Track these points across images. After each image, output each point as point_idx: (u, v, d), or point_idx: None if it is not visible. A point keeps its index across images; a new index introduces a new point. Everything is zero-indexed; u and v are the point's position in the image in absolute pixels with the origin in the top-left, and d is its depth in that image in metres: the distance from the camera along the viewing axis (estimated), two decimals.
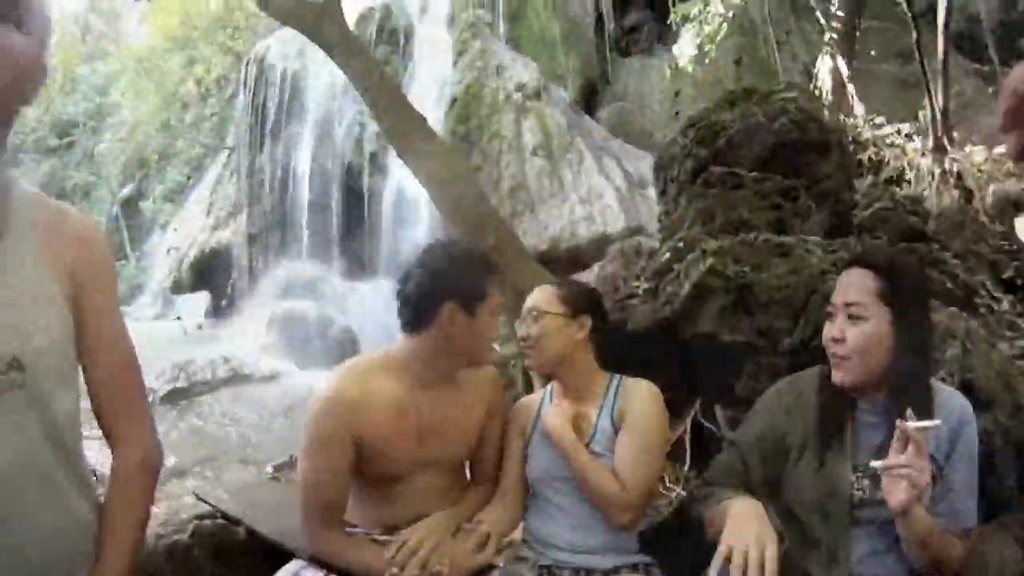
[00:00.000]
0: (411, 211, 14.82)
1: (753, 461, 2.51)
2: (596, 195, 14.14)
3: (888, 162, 12.23)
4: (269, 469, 7.21)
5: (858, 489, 2.26)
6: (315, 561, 2.51)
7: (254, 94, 17.56)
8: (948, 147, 11.20)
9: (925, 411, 2.16)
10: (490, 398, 2.77)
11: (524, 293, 5.16)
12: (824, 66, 14.10)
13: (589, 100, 18.04)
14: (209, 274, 19.52)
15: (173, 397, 11.81)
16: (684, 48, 12.82)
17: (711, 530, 2.35)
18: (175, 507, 4.60)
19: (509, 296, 5.53)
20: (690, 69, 13.16)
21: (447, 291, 2.42)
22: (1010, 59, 17.81)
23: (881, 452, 2.17)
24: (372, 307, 14.08)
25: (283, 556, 3.08)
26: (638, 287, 4.37)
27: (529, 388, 5.55)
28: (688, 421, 4.38)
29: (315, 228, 16.04)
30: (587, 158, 14.64)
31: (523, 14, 18.08)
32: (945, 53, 11.10)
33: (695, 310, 4.08)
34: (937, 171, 11.02)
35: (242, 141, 18.15)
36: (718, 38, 12.62)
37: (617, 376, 2.81)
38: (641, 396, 2.69)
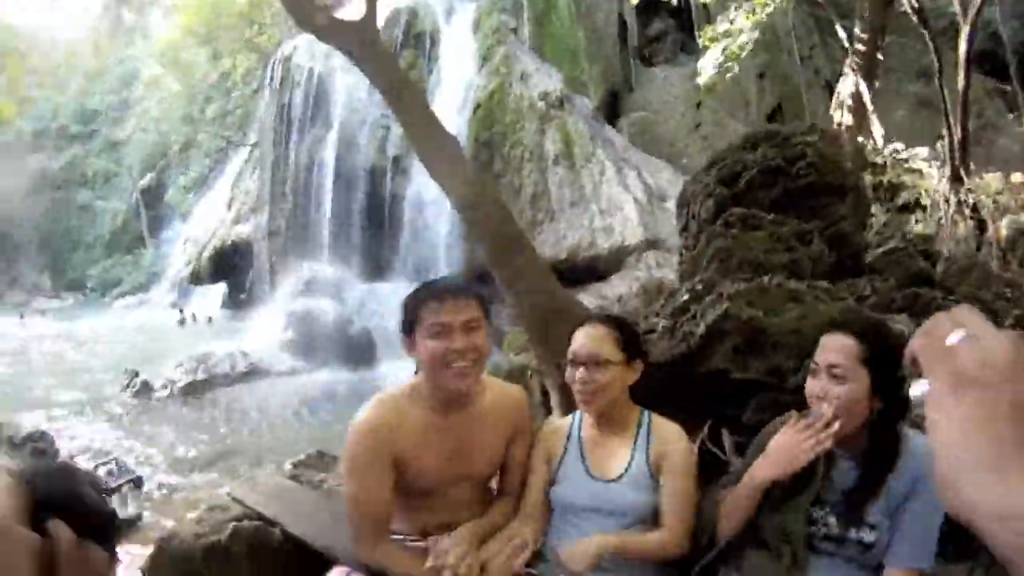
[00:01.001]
0: (432, 215, 14.95)
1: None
2: (616, 206, 14.30)
3: (905, 187, 12.39)
4: (288, 466, 7.35)
5: (824, 525, 2.44)
6: (362, 567, 2.69)
7: (280, 93, 17.75)
8: (964, 177, 11.31)
9: (894, 458, 2.40)
10: (515, 420, 2.90)
11: (547, 317, 5.37)
12: (845, 88, 14.17)
13: (611, 108, 18.15)
14: (228, 267, 19.80)
15: (192, 389, 12.06)
16: (707, 65, 12.93)
17: (725, 524, 2.60)
18: (209, 504, 4.78)
19: (528, 315, 5.77)
20: (711, 84, 13.28)
21: (401, 327, 2.67)
22: None
23: (851, 495, 2.42)
24: (390, 309, 14.15)
25: (315, 557, 3.30)
26: (657, 323, 4.55)
27: (546, 397, 5.75)
28: (696, 445, 4.56)
29: (336, 229, 16.19)
30: (608, 169, 14.78)
31: (548, 20, 18.16)
32: (966, 78, 11.23)
33: (709, 349, 4.28)
34: (953, 200, 11.14)
35: (266, 139, 18.25)
36: (742, 55, 12.74)
37: (646, 412, 2.93)
38: (676, 442, 2.83)
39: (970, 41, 11.16)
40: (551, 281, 6.07)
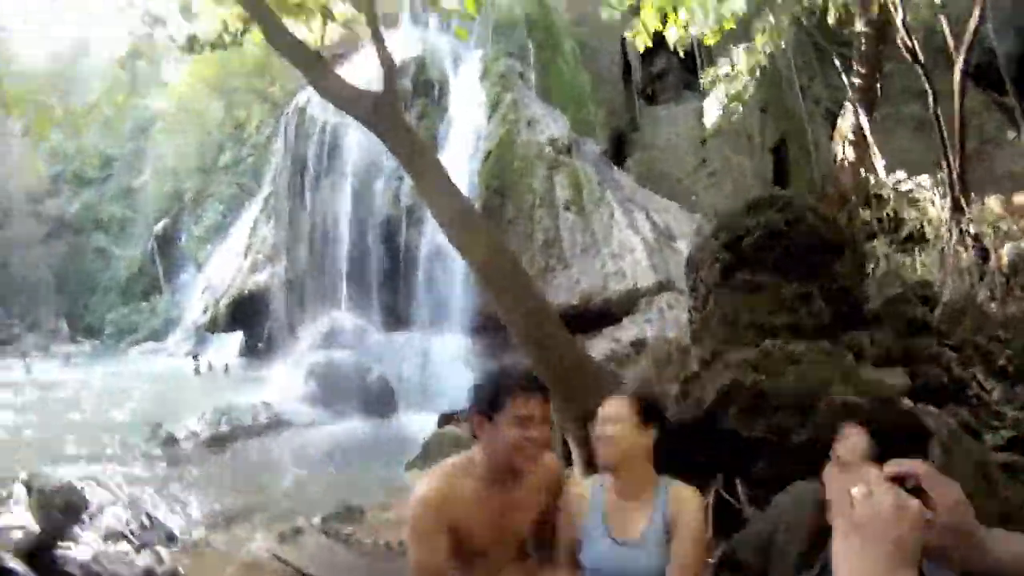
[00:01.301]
0: (446, 265, 15.10)
1: (746, 553, 3.07)
2: (627, 249, 14.55)
3: (907, 220, 12.63)
4: (317, 520, 7.50)
5: None
6: None
7: (295, 144, 18.00)
8: (965, 206, 11.50)
9: None
10: (550, 487, 3.33)
11: (568, 375, 5.73)
12: (846, 122, 14.44)
13: (617, 148, 18.41)
14: (245, 316, 19.86)
15: (216, 441, 12.19)
16: (710, 108, 13.19)
17: None
18: (245, 561, 5.01)
19: (550, 373, 6.08)
20: (716, 124, 13.52)
21: (474, 404, 3.08)
22: None
23: None
24: (408, 359, 14.56)
25: None
26: (670, 388, 4.90)
27: (565, 447, 6.06)
28: (712, 494, 4.84)
29: (353, 278, 16.35)
30: (617, 212, 15.03)
31: (553, 64, 18.48)
32: (961, 107, 11.48)
33: (718, 411, 4.81)
34: (955, 231, 11.33)
35: (282, 189, 18.41)
36: (746, 96, 13.00)
37: (664, 479, 3.27)
38: (691, 506, 3.19)
39: (964, 72, 11.40)
40: (570, 339, 6.41)
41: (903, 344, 5.75)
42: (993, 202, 12.39)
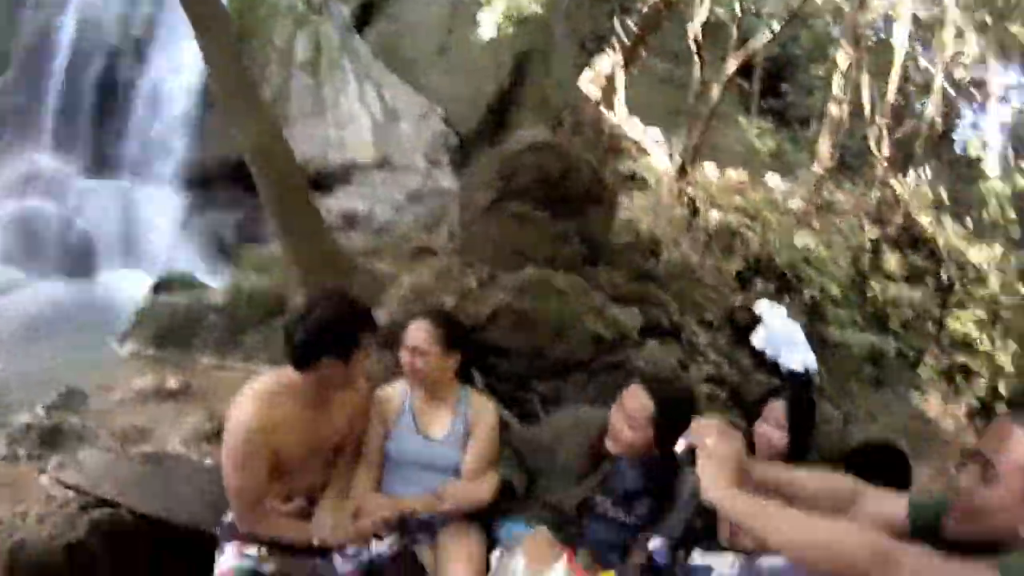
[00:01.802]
0: (166, 107, 14.03)
1: (526, 450, 3.87)
2: (351, 121, 14.49)
3: (635, 160, 13.69)
4: (40, 411, 6.63)
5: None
6: (247, 537, 3.33)
7: None
8: (689, 171, 12.65)
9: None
10: (356, 402, 3.69)
11: (322, 266, 6.07)
12: (603, 65, 15.10)
13: (362, 15, 17.79)
14: None
15: None
16: (487, 22, 13.37)
17: None
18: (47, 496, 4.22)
19: (306, 264, 6.27)
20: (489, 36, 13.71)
21: (327, 345, 3.23)
22: (769, 91, 19.77)
23: (629, 495, 3.52)
24: (112, 209, 13.21)
25: (174, 534, 3.78)
26: (445, 301, 5.88)
27: None
28: None
29: (61, 115, 14.12)
30: (350, 82, 14.86)
31: None
32: (721, 95, 12.58)
33: (488, 327, 5.76)
34: (676, 188, 12.46)
35: None
36: (523, 14, 13.27)
37: (465, 387, 3.91)
38: (487, 411, 3.85)
39: (731, 76, 12.48)
40: (327, 233, 6.66)
41: (634, 288, 6.90)
42: (710, 168, 13.68)
